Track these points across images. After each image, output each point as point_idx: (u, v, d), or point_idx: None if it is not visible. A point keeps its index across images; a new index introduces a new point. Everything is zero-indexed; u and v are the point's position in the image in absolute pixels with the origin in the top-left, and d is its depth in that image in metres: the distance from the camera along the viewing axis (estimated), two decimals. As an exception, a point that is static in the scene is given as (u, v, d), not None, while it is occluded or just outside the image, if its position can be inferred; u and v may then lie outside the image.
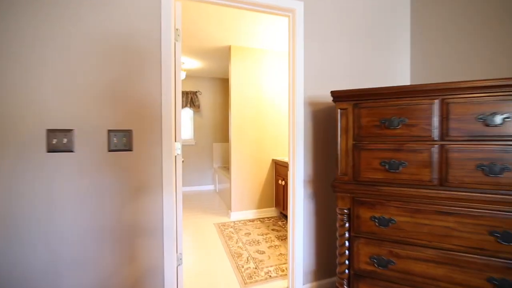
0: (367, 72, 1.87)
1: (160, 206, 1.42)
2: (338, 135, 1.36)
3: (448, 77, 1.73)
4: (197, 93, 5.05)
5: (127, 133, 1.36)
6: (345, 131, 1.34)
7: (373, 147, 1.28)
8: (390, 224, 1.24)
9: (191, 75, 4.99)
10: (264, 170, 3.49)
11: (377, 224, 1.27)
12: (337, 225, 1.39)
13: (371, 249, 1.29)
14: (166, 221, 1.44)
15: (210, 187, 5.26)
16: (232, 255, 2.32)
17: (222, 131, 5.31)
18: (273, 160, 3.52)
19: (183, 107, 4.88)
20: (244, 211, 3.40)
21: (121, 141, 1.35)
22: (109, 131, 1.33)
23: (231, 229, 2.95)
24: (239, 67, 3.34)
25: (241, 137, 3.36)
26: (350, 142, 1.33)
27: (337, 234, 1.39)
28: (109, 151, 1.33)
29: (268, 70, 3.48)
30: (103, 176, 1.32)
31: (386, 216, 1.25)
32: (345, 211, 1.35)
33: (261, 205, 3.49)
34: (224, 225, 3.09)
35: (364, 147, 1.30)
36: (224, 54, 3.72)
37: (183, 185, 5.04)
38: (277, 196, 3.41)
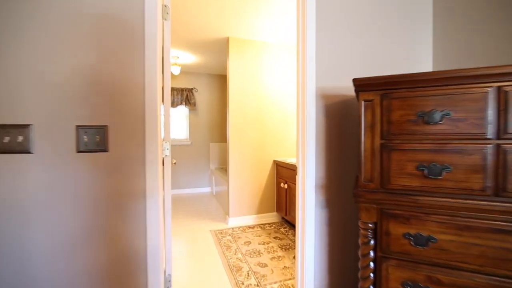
0: (390, 62, 1.62)
1: (143, 218, 1.16)
2: (361, 132, 1.12)
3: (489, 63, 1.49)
4: (193, 90, 4.78)
5: (101, 130, 1.10)
6: (370, 127, 1.10)
7: (407, 147, 1.03)
8: (429, 243, 1.00)
9: (186, 71, 4.72)
10: (264, 172, 3.24)
11: (412, 242, 1.02)
12: (360, 242, 1.15)
13: (404, 273, 1.05)
14: (150, 235, 1.18)
15: (207, 189, 4.99)
16: (230, 268, 2.06)
17: (219, 131, 5.05)
18: (274, 161, 3.27)
19: (178, 104, 4.61)
20: (243, 217, 3.14)
21: (94, 139, 1.08)
22: (78, 127, 1.07)
23: (229, 237, 2.69)
24: (238, 61, 3.08)
25: (240, 136, 3.11)
26: (377, 141, 1.09)
27: (360, 253, 1.15)
28: (79, 152, 1.07)
29: (270, 64, 3.23)
30: (70, 184, 1.06)
31: (424, 233, 1.00)
32: (370, 225, 1.11)
33: (261, 210, 3.24)
34: (221, 233, 2.83)
35: (395, 147, 1.05)
36: (221, 48, 3.46)
37: (178, 187, 4.76)
38: (279, 200, 3.16)
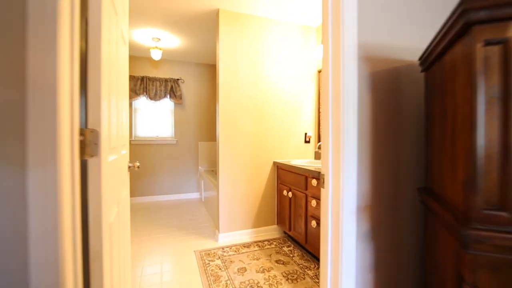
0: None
1: None
2: (476, 111, 0.56)
3: None
4: (179, 81, 4.17)
5: None
6: (500, 99, 0.54)
7: None
8: None
9: (170, 59, 4.11)
10: (262, 177, 2.66)
11: None
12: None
13: None
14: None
15: (195, 195, 4.38)
16: (219, 314, 1.48)
17: (209, 128, 4.45)
18: (274, 163, 2.70)
19: (161, 97, 3.99)
20: (236, 232, 2.55)
21: None
22: None
23: (219, 262, 2.10)
24: (230, 40, 2.50)
25: (233, 133, 2.52)
26: (520, 125, 0.53)
27: None
28: None
29: (273, 47, 2.66)
30: None
31: None
32: (497, 298, 0.55)
33: (259, 223, 2.66)
34: (209, 254, 2.23)
35: None
36: (210, 27, 2.88)
37: (160, 193, 4.13)
38: (281, 211, 2.58)
